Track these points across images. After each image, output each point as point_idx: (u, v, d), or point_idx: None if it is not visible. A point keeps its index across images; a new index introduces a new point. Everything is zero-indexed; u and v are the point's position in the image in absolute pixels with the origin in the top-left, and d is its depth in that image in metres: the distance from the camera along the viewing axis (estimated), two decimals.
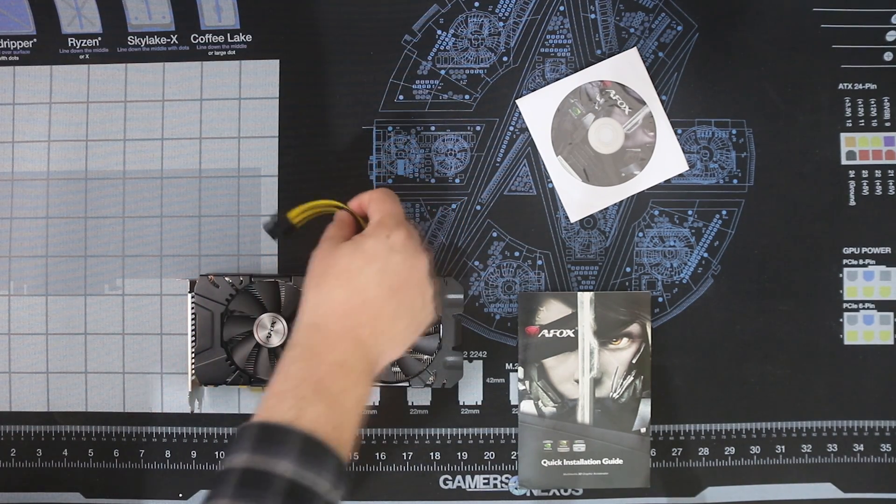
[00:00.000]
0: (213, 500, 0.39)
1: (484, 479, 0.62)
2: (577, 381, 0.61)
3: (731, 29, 0.62)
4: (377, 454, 0.62)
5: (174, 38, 0.63)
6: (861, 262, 0.62)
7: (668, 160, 0.62)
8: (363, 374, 0.46)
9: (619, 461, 0.61)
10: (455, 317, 0.58)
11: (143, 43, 0.62)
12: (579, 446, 0.61)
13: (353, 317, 0.47)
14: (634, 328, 0.61)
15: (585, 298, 0.61)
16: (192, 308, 0.59)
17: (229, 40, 0.63)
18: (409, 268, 0.48)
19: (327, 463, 0.41)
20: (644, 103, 0.62)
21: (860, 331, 0.62)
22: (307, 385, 0.44)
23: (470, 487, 0.62)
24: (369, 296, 0.47)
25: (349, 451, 0.45)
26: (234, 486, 0.39)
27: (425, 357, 0.58)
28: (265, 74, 0.62)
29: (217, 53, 0.62)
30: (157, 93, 0.63)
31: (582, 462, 0.61)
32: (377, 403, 0.62)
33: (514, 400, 0.62)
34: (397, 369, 0.58)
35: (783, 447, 0.62)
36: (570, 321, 0.61)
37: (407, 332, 0.49)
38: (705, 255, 0.62)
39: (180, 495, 0.62)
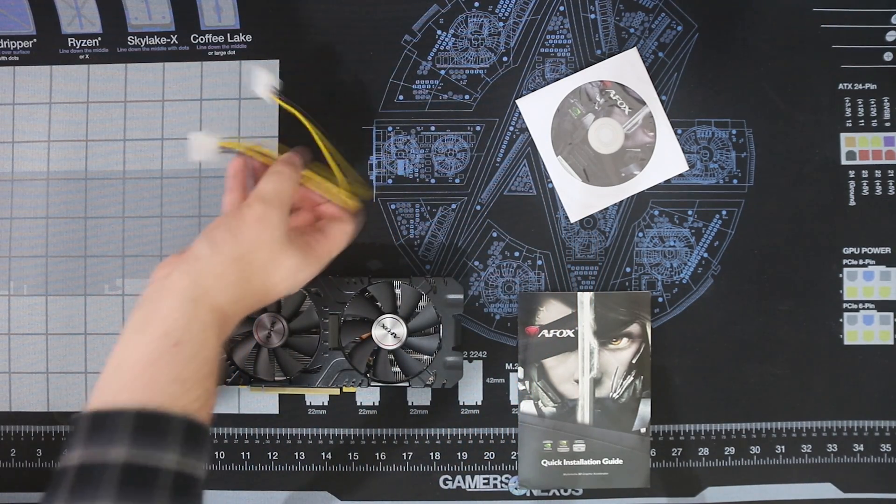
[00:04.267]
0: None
1: (484, 479, 0.62)
2: (577, 381, 0.61)
3: (731, 29, 0.62)
4: (377, 454, 0.62)
5: (174, 38, 0.63)
6: (861, 262, 0.62)
7: (668, 160, 0.62)
8: (207, 328, 0.45)
9: (619, 461, 0.61)
10: (455, 317, 0.58)
11: (143, 43, 0.63)
12: (579, 446, 0.61)
13: (192, 275, 0.45)
14: (634, 328, 0.61)
15: (585, 298, 0.61)
16: None
17: (229, 40, 0.63)
18: (256, 234, 0.47)
19: (169, 432, 0.41)
20: (644, 103, 0.62)
21: (860, 331, 0.62)
22: (140, 353, 0.43)
23: (470, 487, 0.62)
24: (212, 262, 0.46)
25: (205, 413, 0.44)
26: (68, 487, 0.39)
27: (425, 357, 0.58)
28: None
29: (217, 53, 0.62)
30: (157, 93, 0.63)
31: (582, 462, 0.61)
32: (377, 403, 0.62)
33: (514, 400, 0.62)
34: (397, 369, 0.58)
35: (783, 447, 0.62)
36: (570, 321, 0.61)
37: (257, 299, 0.48)
38: (705, 255, 0.62)
39: None
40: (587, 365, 0.61)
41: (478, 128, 0.62)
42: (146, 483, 0.40)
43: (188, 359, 0.44)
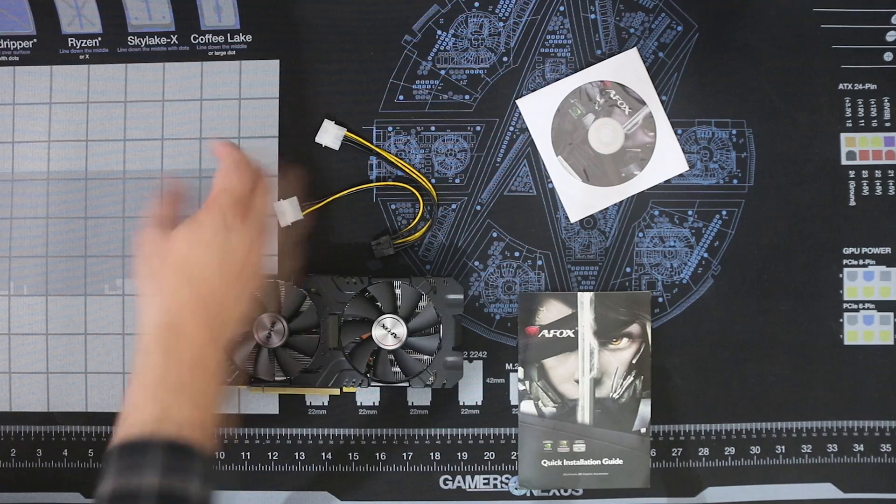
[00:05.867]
0: None
1: (484, 479, 0.62)
2: (577, 382, 0.61)
3: (731, 29, 0.62)
4: (377, 454, 0.62)
5: (174, 38, 0.63)
6: (861, 262, 0.62)
7: (668, 160, 0.62)
8: (219, 366, 0.46)
9: (619, 461, 0.61)
10: (455, 317, 0.58)
11: (143, 43, 0.62)
12: (579, 446, 0.61)
13: (201, 312, 0.46)
14: (634, 328, 0.61)
15: (585, 298, 0.61)
16: None
17: (229, 40, 0.63)
18: (247, 248, 0.47)
19: (194, 464, 0.42)
20: (644, 103, 0.62)
21: (860, 331, 0.62)
22: (166, 388, 0.43)
23: (470, 487, 0.62)
24: (214, 286, 0.46)
25: (215, 445, 0.45)
26: None
27: (425, 357, 0.58)
28: (265, 74, 0.62)
29: (217, 53, 0.62)
30: (157, 93, 0.63)
31: (582, 462, 0.61)
32: (377, 403, 0.62)
33: (514, 400, 0.62)
34: (397, 369, 0.58)
35: (783, 447, 0.62)
36: (570, 321, 0.61)
37: (246, 310, 0.49)
38: (705, 255, 0.62)
39: None
40: (587, 365, 0.61)
41: (478, 128, 0.62)
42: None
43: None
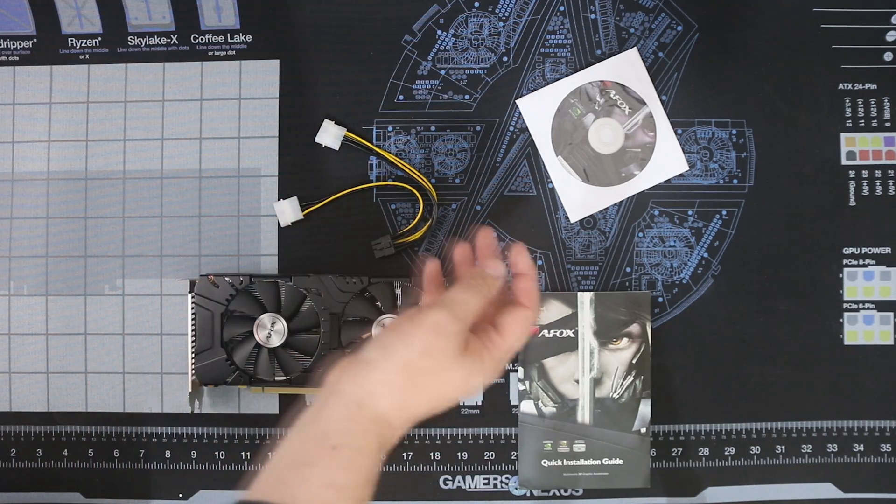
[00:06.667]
0: None
1: (484, 479, 0.62)
2: (577, 381, 0.61)
3: (731, 29, 0.62)
4: None
5: (174, 38, 0.63)
6: (861, 262, 0.62)
7: (668, 160, 0.62)
8: (377, 454, 0.44)
9: (619, 461, 0.61)
10: None
11: (143, 43, 0.63)
12: (579, 446, 0.61)
13: (404, 413, 0.43)
14: (634, 328, 0.61)
15: (585, 298, 0.61)
16: (192, 308, 0.59)
17: (229, 40, 0.63)
18: (429, 341, 0.43)
19: None
20: (644, 103, 0.62)
21: (860, 331, 0.62)
22: (302, 463, 0.42)
23: (470, 487, 0.62)
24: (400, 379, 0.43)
25: None
26: None
27: None
28: (265, 74, 0.62)
29: (217, 53, 0.62)
30: (157, 93, 0.63)
31: (582, 462, 0.61)
32: None
33: (514, 400, 0.62)
34: None
35: (783, 447, 0.62)
36: (570, 321, 0.61)
37: (426, 408, 0.45)
38: (705, 255, 0.62)
39: (180, 495, 0.62)
40: (587, 365, 0.61)
41: (478, 128, 0.62)
42: None
43: (345, 463, 0.42)
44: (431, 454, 0.62)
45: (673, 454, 0.62)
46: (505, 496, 0.62)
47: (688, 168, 0.62)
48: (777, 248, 0.62)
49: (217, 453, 0.62)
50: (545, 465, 0.61)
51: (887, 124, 0.62)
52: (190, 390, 0.60)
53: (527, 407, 0.61)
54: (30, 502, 0.62)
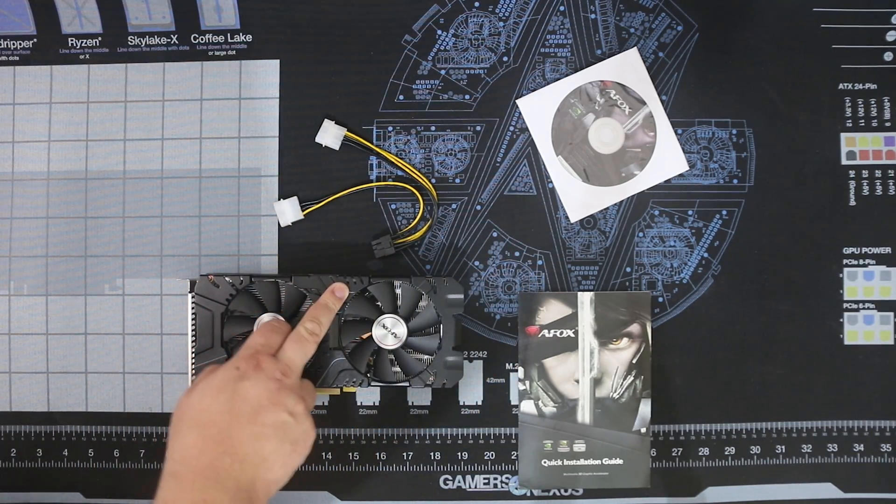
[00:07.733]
0: None
1: (484, 479, 0.62)
2: (577, 381, 0.61)
3: (731, 29, 0.62)
4: (377, 454, 0.62)
5: (174, 38, 0.63)
6: (861, 262, 0.62)
7: (668, 160, 0.62)
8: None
9: (619, 461, 0.61)
10: (455, 317, 0.58)
11: (143, 43, 0.63)
12: (579, 446, 0.61)
13: (208, 452, 0.47)
14: (634, 328, 0.61)
15: (585, 298, 0.61)
16: (193, 308, 0.59)
17: (229, 40, 0.63)
18: (262, 390, 0.49)
19: None
20: (644, 103, 0.62)
21: (860, 331, 0.62)
22: None
23: (470, 487, 0.62)
24: (222, 427, 0.47)
25: None
26: None
27: (425, 357, 0.58)
28: (265, 74, 0.62)
29: (217, 53, 0.63)
30: (157, 93, 0.63)
31: (582, 462, 0.61)
32: (377, 403, 0.62)
33: (514, 400, 0.62)
34: (397, 369, 0.58)
35: (783, 447, 0.62)
36: (571, 321, 0.61)
37: (281, 451, 0.49)
38: (705, 255, 0.62)
39: None
40: (587, 365, 0.61)
41: (478, 128, 0.62)
42: None
43: None
44: (431, 454, 0.62)
45: (673, 454, 0.62)
46: (505, 496, 0.62)
47: (688, 168, 0.62)
48: (777, 248, 0.62)
49: None
50: (545, 465, 0.61)
51: (887, 124, 0.62)
52: None
53: (527, 407, 0.61)
54: (30, 502, 0.62)
